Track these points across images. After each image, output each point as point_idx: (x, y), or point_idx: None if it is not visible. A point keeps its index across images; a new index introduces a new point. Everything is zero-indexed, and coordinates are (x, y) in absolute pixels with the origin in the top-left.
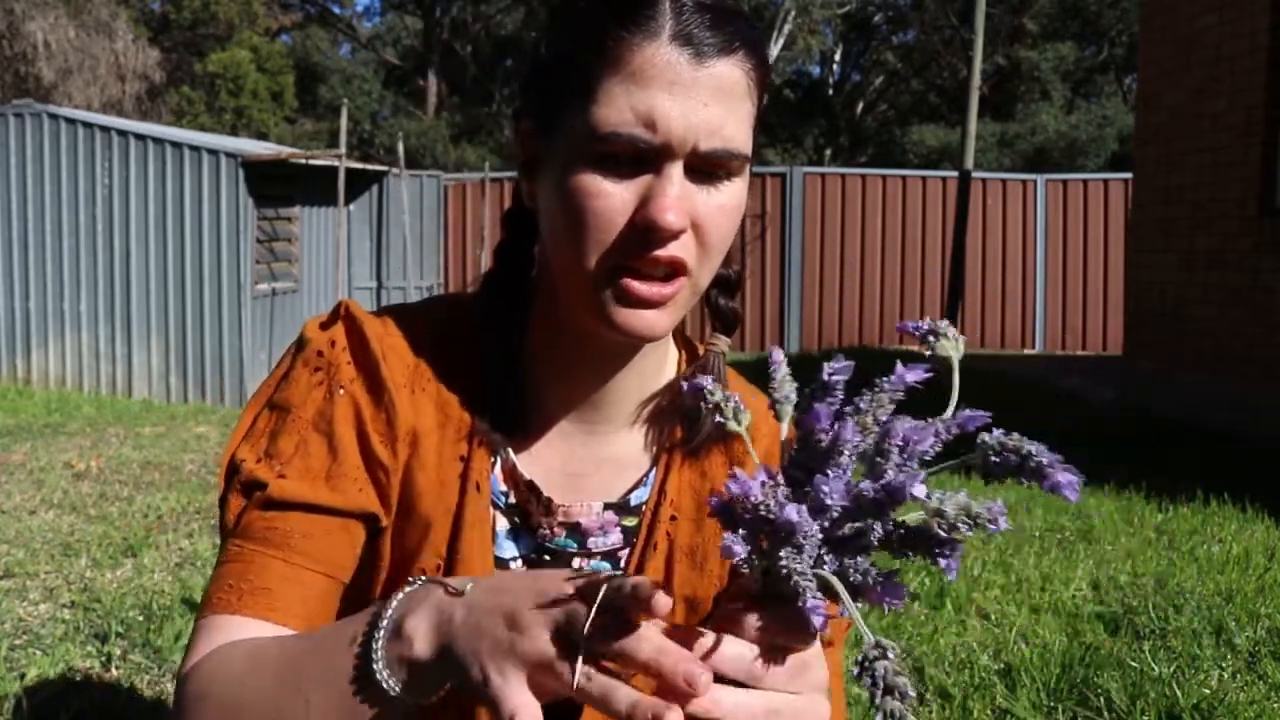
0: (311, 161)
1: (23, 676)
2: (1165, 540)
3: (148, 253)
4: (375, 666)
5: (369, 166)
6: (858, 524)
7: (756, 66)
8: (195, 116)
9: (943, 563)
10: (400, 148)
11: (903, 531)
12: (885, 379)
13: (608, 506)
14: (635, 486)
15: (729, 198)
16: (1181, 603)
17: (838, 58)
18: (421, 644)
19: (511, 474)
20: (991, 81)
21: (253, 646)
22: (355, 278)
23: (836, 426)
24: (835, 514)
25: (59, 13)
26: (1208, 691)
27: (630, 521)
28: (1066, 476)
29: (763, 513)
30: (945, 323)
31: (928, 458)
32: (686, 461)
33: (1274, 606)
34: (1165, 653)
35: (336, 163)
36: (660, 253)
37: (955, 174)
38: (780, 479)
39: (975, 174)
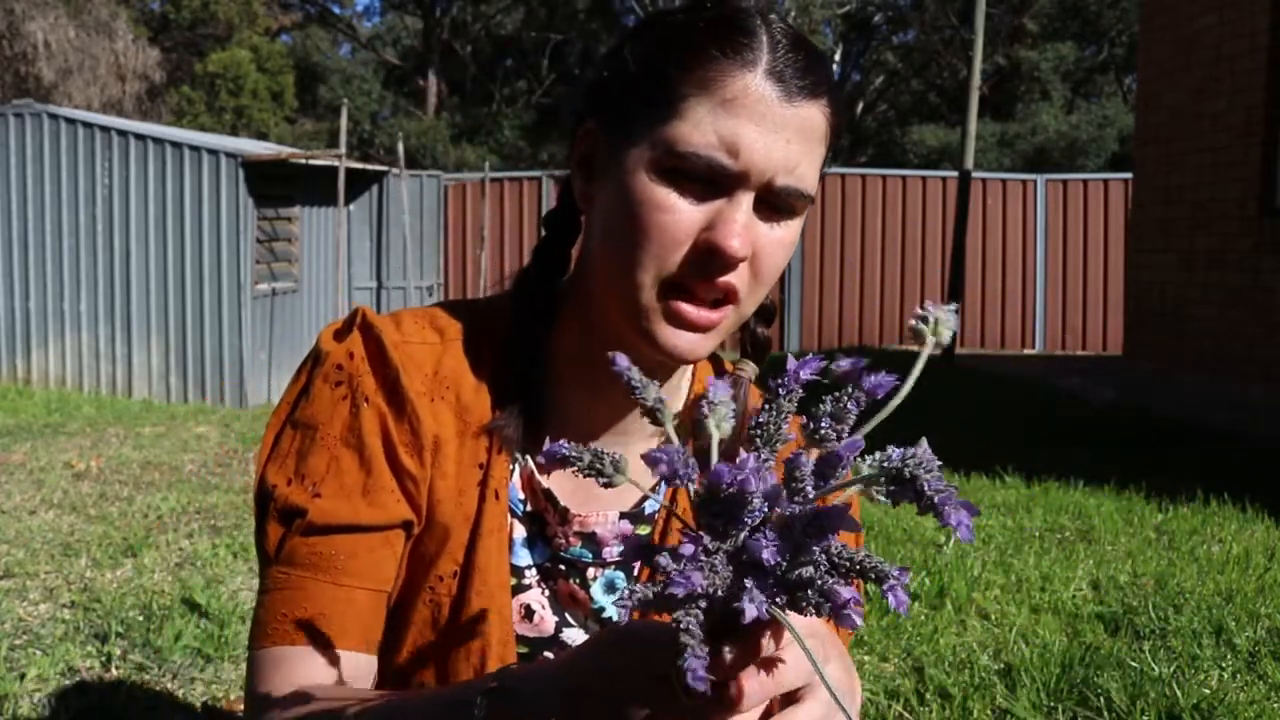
0: (311, 161)
1: (23, 676)
2: (1165, 540)
3: (148, 253)
4: None
5: (369, 166)
6: (800, 559)
7: (836, 113)
8: (195, 116)
9: (889, 598)
10: (400, 148)
11: (849, 559)
12: (778, 381)
13: (623, 516)
14: (652, 490)
15: (787, 233)
16: (1181, 603)
17: (838, 58)
18: None
19: (530, 482)
20: (991, 81)
21: (329, 704)
22: (355, 278)
23: (739, 477)
24: (767, 557)
25: (59, 13)
26: (1208, 691)
27: (644, 530)
28: (960, 515)
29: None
30: (937, 306)
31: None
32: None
33: (1274, 606)
34: (1165, 653)
35: (336, 163)
36: (719, 279)
37: (955, 174)
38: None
39: (975, 174)
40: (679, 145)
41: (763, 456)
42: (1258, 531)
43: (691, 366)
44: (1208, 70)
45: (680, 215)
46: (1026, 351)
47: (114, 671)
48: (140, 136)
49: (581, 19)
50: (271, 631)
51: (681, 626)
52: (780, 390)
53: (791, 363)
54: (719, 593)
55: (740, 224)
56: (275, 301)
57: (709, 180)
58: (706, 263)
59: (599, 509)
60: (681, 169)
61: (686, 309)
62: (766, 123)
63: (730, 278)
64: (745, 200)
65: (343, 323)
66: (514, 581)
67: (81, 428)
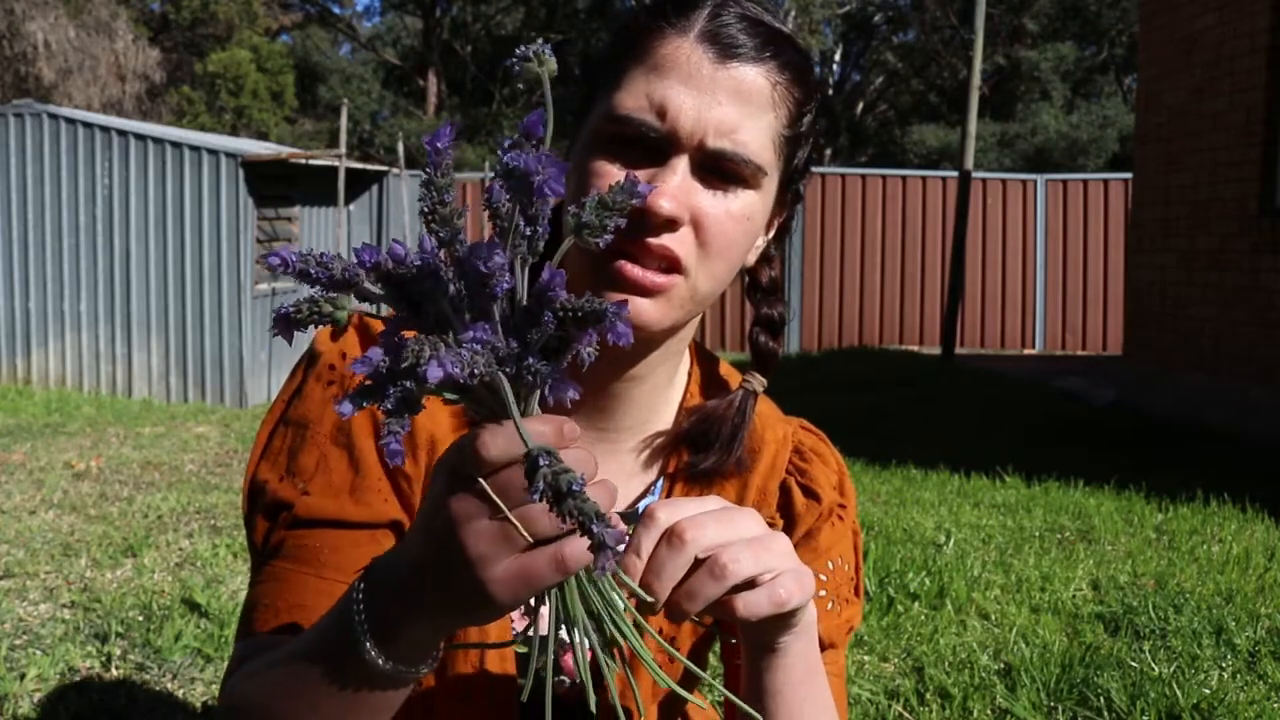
0: (311, 161)
1: (23, 676)
2: (1165, 540)
3: (148, 253)
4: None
5: (369, 166)
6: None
7: (790, 84)
8: (195, 116)
9: (609, 337)
10: (400, 148)
11: (570, 308)
12: (428, 165)
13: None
14: (644, 494)
15: (738, 206)
16: (1181, 603)
17: (838, 58)
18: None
19: None
20: (991, 81)
21: (271, 657)
22: None
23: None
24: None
25: (59, 13)
26: (1208, 691)
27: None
28: (620, 323)
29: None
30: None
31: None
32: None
33: (1274, 606)
34: (1165, 653)
35: (336, 163)
36: (653, 240)
37: (955, 174)
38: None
39: (975, 174)
40: (615, 110)
41: (442, 236)
42: (1258, 531)
43: (686, 365)
44: (1208, 70)
45: (614, 180)
46: (1026, 351)
47: (114, 671)
48: (140, 136)
49: (581, 19)
50: (253, 620)
51: (390, 402)
52: (431, 169)
53: (427, 138)
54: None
55: (670, 185)
56: (275, 301)
57: (647, 148)
58: (640, 224)
59: None
60: (620, 136)
61: (629, 267)
62: (694, 83)
63: (669, 242)
64: (679, 163)
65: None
66: None
67: (81, 428)
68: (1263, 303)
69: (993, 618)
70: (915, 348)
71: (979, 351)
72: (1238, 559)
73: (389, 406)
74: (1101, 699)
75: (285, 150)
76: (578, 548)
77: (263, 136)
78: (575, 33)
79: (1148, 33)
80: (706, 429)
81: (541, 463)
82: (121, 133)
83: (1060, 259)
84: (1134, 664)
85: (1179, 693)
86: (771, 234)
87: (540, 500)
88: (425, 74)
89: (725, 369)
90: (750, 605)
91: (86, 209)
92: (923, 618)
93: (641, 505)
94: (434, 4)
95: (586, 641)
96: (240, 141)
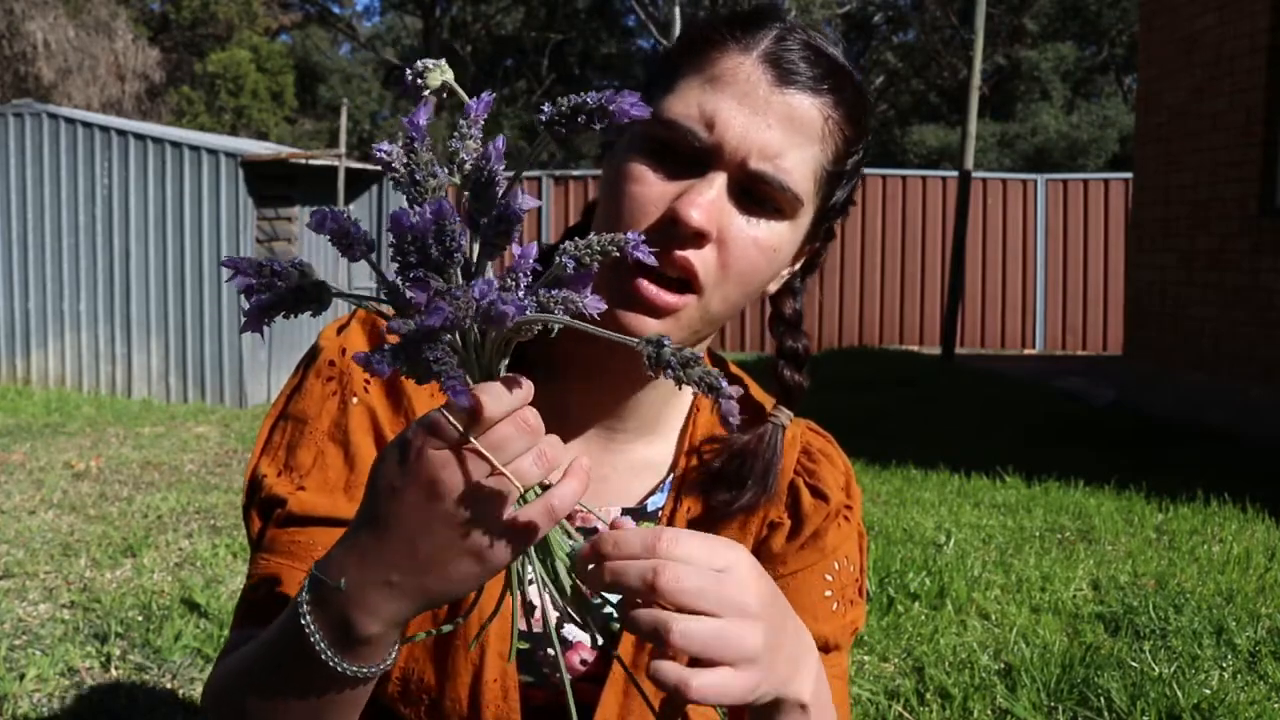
0: (311, 161)
1: (22, 676)
2: (1165, 540)
3: (148, 253)
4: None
5: (369, 166)
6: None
7: (842, 120)
8: (195, 116)
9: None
10: None
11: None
12: (408, 135)
13: (625, 512)
14: (653, 492)
15: (767, 234)
16: (1182, 603)
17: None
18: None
19: None
20: (991, 81)
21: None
22: (355, 278)
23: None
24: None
25: (59, 12)
26: (1208, 691)
27: (647, 527)
28: (626, 98)
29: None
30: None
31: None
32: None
33: (1274, 606)
34: (1165, 653)
35: (336, 162)
36: (677, 251)
37: (955, 174)
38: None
39: (975, 174)
40: (663, 113)
41: (431, 187)
42: (1258, 531)
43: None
44: (1208, 70)
45: (651, 187)
46: (1026, 351)
47: (114, 671)
48: (140, 136)
49: (581, 19)
50: (244, 613)
51: (435, 359)
52: (412, 138)
53: (406, 118)
54: (470, 318)
55: (706, 199)
56: None
57: (688, 157)
58: (667, 230)
59: (600, 504)
60: (664, 139)
61: (644, 285)
62: (749, 102)
63: (691, 256)
64: (718, 179)
65: (345, 319)
66: None
67: (81, 428)
68: (1263, 303)
69: (993, 618)
70: (915, 348)
71: (979, 351)
72: (1238, 559)
73: (433, 358)
74: (1102, 699)
75: (285, 150)
76: (566, 494)
77: (263, 136)
78: (575, 33)
79: (1148, 33)
80: (739, 466)
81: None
82: (121, 133)
83: (1060, 259)
84: (1134, 664)
85: (1179, 693)
86: (798, 266)
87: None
88: None
89: (734, 371)
90: (700, 683)
91: (86, 209)
92: (923, 618)
93: (650, 503)
94: (434, 4)
95: (554, 601)
96: (240, 141)
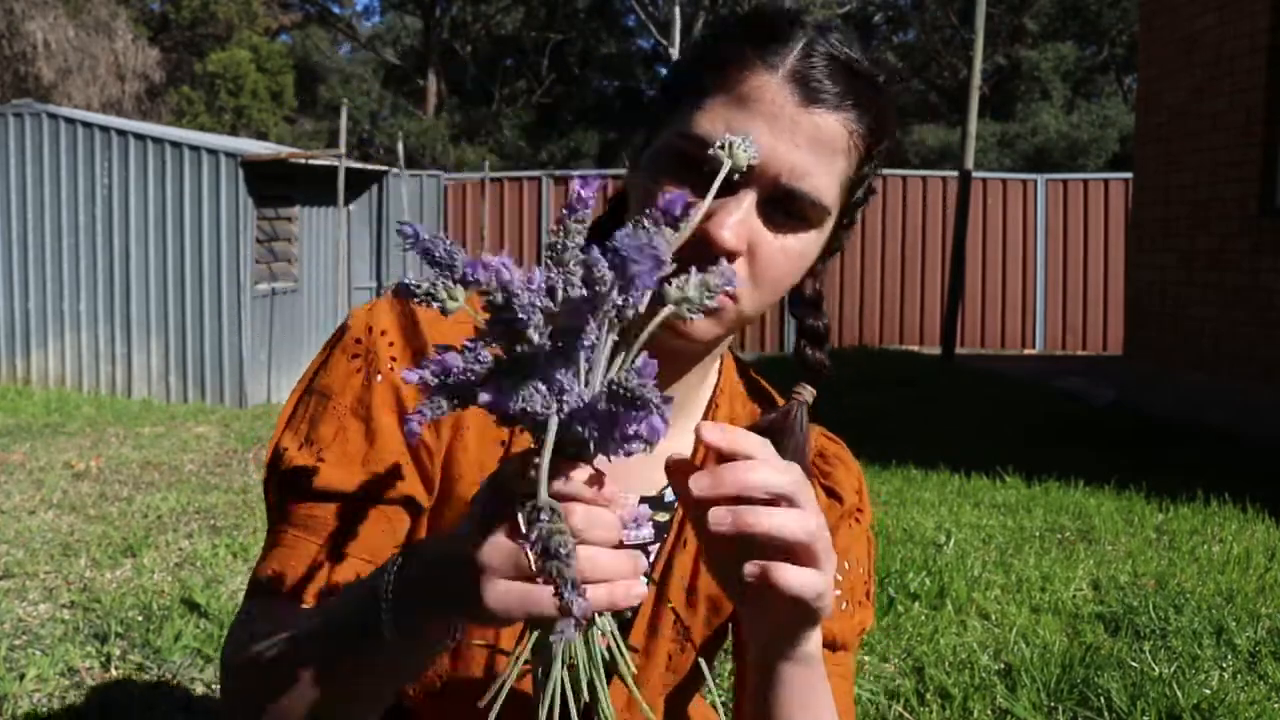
0: (311, 161)
1: (23, 676)
2: (1165, 540)
3: (148, 253)
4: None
5: (369, 166)
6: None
7: (865, 132)
8: (195, 116)
9: (643, 426)
10: (400, 148)
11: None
12: (567, 208)
13: (643, 500)
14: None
15: (796, 244)
16: (1182, 603)
17: None
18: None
19: None
20: (991, 81)
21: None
22: (355, 278)
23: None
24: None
25: (59, 12)
26: (1208, 692)
27: (663, 517)
28: (657, 419)
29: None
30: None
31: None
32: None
33: (1274, 606)
34: (1165, 653)
35: (336, 162)
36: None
37: (955, 174)
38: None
39: (975, 174)
40: (692, 129)
41: (552, 278)
42: (1258, 531)
43: (718, 363)
44: (1208, 70)
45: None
46: (1026, 351)
47: (114, 671)
48: (140, 136)
49: (581, 19)
50: (264, 580)
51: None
52: (568, 214)
53: (576, 184)
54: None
55: (736, 218)
56: (275, 301)
57: (717, 175)
58: (698, 251)
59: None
60: (694, 156)
61: None
62: (778, 123)
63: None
64: (748, 198)
65: (379, 299)
66: None
67: (81, 428)
68: (1263, 303)
69: (993, 618)
70: (915, 348)
71: (979, 351)
72: (1238, 559)
73: (439, 402)
74: (1102, 699)
75: (285, 150)
76: (582, 604)
77: (262, 136)
78: (575, 33)
79: (1148, 33)
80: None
81: (542, 517)
82: (121, 132)
83: (1060, 259)
84: (1134, 664)
85: (1179, 693)
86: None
87: (532, 550)
88: (425, 74)
89: (740, 366)
90: (786, 576)
91: (86, 209)
92: (923, 618)
93: (668, 492)
94: (434, 4)
95: (561, 681)
96: (240, 141)
